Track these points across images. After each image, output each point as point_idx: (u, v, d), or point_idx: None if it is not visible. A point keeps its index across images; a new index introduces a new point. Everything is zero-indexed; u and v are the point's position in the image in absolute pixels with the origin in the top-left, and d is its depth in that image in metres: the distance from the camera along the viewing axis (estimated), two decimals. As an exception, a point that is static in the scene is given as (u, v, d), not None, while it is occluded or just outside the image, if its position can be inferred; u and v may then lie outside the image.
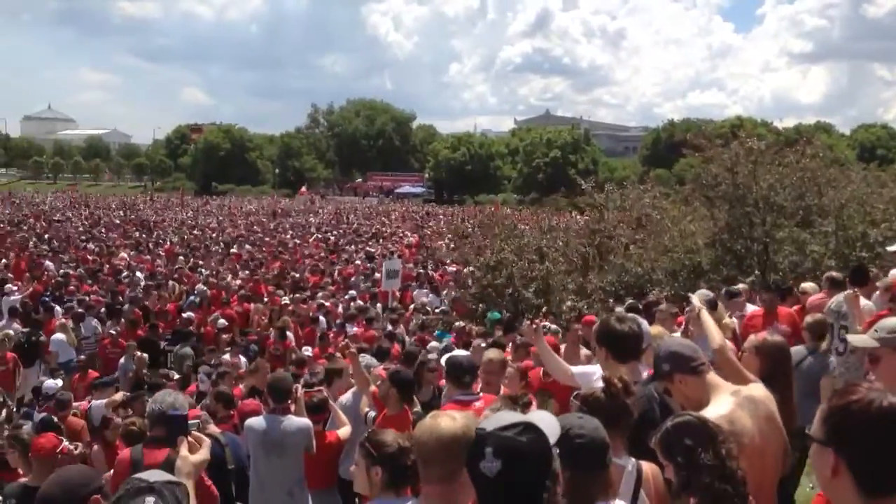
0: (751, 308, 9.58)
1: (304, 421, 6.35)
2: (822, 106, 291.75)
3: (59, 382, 9.80)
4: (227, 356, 11.96)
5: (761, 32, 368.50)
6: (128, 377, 11.74)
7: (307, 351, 12.51)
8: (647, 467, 3.37)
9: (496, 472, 2.16)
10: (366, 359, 7.94)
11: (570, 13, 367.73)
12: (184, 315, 15.56)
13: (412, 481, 3.33)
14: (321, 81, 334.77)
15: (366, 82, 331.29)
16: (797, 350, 6.69)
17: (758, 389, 3.73)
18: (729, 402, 3.53)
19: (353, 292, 18.29)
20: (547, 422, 2.28)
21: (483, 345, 9.15)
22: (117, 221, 39.43)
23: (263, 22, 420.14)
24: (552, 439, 2.24)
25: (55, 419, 7.74)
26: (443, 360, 6.18)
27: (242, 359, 11.91)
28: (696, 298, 5.48)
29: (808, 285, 9.86)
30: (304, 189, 75.46)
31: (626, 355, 4.17)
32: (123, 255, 25.11)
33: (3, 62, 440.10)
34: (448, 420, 2.80)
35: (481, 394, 5.62)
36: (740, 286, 10.59)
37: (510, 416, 2.36)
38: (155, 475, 2.37)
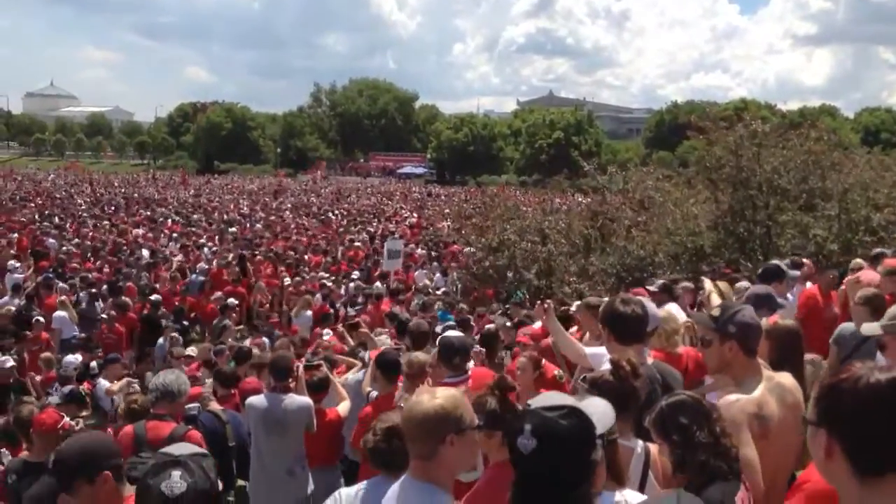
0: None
1: (305, 399, 6.36)
2: (826, 89, 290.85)
3: (79, 357, 9.84)
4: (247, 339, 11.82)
5: (766, 14, 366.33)
6: (166, 359, 11.65)
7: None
8: (655, 449, 3.37)
9: (530, 450, 2.18)
10: (382, 338, 7.95)
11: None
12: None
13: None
14: (324, 60, 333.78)
15: (368, 61, 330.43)
16: (849, 327, 6.17)
17: (787, 377, 3.72)
18: (760, 387, 3.52)
19: (356, 274, 18.19)
20: (600, 411, 2.28)
21: (508, 324, 9.21)
22: (122, 200, 39.34)
23: (266, 0, 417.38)
24: (599, 429, 2.23)
25: (83, 391, 7.83)
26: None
27: (266, 340, 11.79)
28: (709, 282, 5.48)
29: (857, 261, 9.54)
30: (321, 170, 75.86)
31: (629, 338, 4.16)
32: (139, 231, 25.36)
33: (5, 39, 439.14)
34: (428, 397, 2.80)
35: (469, 372, 5.60)
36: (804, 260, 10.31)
37: (558, 398, 2.37)
38: (181, 448, 2.39)
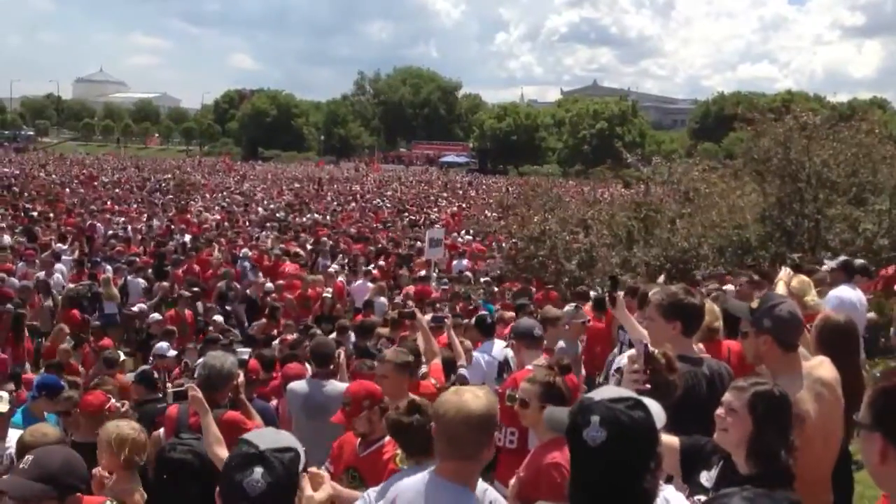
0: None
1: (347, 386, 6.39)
2: (875, 81, 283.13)
3: (166, 345, 10.04)
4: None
5: (815, 4, 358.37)
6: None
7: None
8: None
9: (599, 442, 2.13)
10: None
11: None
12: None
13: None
14: (367, 48, 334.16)
15: (411, 50, 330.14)
16: None
17: (826, 370, 3.65)
18: (799, 384, 3.45)
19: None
20: (655, 406, 2.25)
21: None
22: (169, 185, 39.83)
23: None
24: (658, 424, 2.20)
25: (155, 373, 8.09)
26: None
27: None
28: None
29: None
30: (375, 164, 76.57)
31: (695, 329, 4.06)
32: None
33: (57, 26, 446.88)
34: (472, 397, 2.77)
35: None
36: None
37: (617, 390, 2.33)
38: (265, 439, 2.35)
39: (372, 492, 3.56)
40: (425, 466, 3.24)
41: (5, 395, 5.64)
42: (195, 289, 14.07)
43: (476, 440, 2.73)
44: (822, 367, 3.65)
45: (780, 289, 5.16)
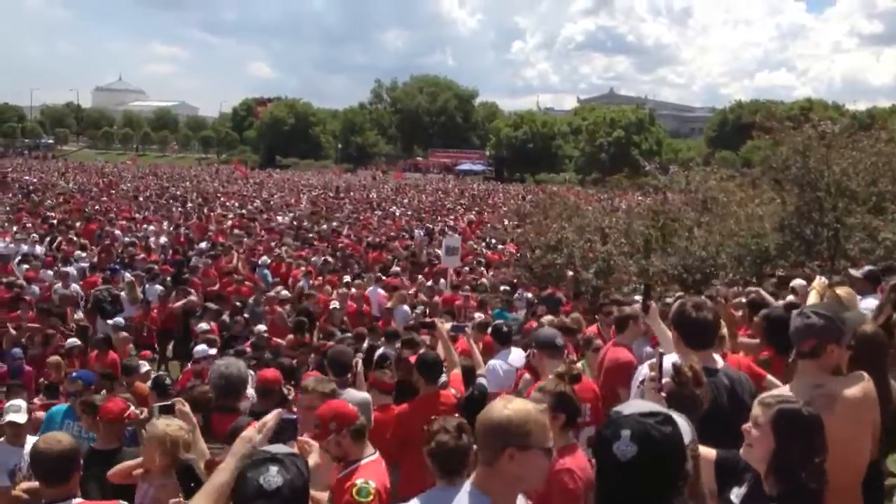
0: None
1: (364, 395, 6.40)
2: (894, 89, 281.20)
3: (206, 347, 10.06)
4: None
5: (833, 13, 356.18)
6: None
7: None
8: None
9: (630, 456, 2.12)
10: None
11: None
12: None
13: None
14: (384, 57, 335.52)
15: (428, 58, 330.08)
16: None
17: (844, 384, 3.63)
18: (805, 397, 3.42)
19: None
20: (682, 421, 2.23)
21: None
22: (187, 194, 40.03)
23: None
24: (686, 439, 2.19)
25: (168, 379, 8.00)
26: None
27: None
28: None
29: None
30: (398, 172, 77.13)
31: (699, 343, 4.07)
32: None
33: (76, 35, 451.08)
34: (501, 405, 2.77)
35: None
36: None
37: (647, 405, 2.32)
38: (277, 448, 2.50)
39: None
40: (459, 485, 3.21)
41: (23, 405, 5.71)
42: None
43: (488, 445, 2.73)
44: (838, 383, 3.64)
45: (813, 298, 5.13)
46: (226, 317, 12.99)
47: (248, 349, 10.62)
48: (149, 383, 7.96)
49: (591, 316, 10.79)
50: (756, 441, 2.90)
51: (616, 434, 2.15)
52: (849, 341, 3.77)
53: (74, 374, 7.47)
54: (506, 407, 2.73)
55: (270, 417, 2.77)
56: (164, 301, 14.03)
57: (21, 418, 5.55)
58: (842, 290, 5.94)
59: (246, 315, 13.40)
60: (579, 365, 6.82)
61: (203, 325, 11.66)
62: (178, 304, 13.78)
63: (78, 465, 4.19)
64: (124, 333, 11.61)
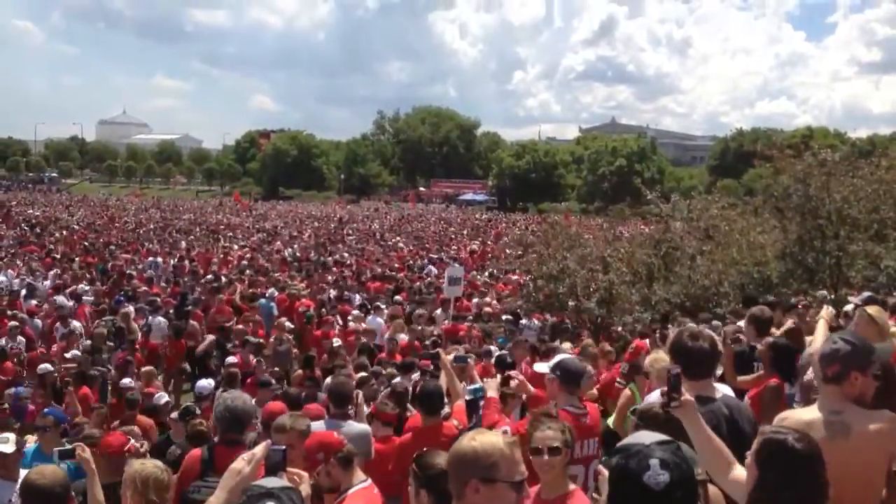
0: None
1: (364, 427, 6.38)
2: (894, 116, 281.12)
3: (212, 382, 10.02)
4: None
5: (832, 41, 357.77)
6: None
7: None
8: (711, 489, 3.28)
9: (664, 484, 2.08)
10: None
11: (635, 21, 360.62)
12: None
13: None
14: (386, 88, 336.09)
15: (429, 89, 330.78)
16: None
17: (866, 416, 3.58)
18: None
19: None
20: (687, 448, 2.23)
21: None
22: (190, 226, 40.16)
23: (331, 30, 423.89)
24: (695, 467, 2.19)
25: (197, 409, 8.07)
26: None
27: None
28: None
29: None
30: (412, 199, 77.39)
31: (697, 373, 4.04)
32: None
33: (80, 68, 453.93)
34: (468, 437, 2.77)
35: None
36: None
37: (655, 435, 2.28)
38: (272, 482, 2.48)
39: None
40: None
41: (11, 436, 5.67)
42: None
43: (453, 478, 2.73)
44: (845, 416, 3.58)
45: (821, 328, 5.11)
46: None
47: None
48: (174, 413, 7.98)
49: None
50: (747, 470, 2.84)
51: (644, 465, 2.11)
52: (875, 371, 3.70)
53: (46, 411, 7.43)
54: (473, 439, 2.72)
55: (259, 449, 2.77)
56: (174, 340, 14.06)
57: (8, 448, 5.50)
58: (872, 309, 5.77)
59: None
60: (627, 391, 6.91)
61: (231, 359, 11.66)
62: (201, 347, 13.91)
63: (69, 498, 4.17)
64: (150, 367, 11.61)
